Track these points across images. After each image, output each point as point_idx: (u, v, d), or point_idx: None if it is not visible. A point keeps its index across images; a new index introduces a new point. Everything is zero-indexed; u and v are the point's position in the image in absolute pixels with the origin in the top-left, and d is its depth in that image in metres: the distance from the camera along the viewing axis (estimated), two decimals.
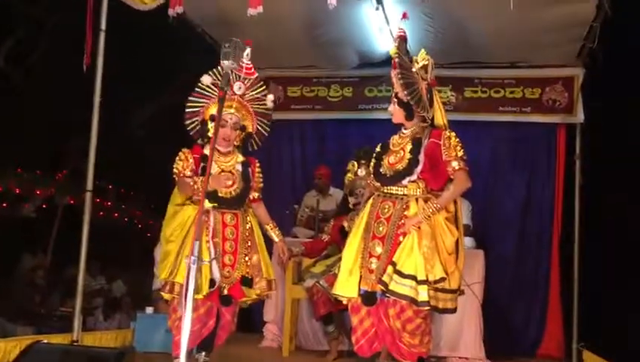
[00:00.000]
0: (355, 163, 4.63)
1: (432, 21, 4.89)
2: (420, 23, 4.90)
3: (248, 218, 3.56)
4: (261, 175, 3.65)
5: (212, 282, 3.28)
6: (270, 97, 3.66)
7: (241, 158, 3.56)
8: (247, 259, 3.47)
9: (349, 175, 4.67)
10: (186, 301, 2.40)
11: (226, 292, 3.39)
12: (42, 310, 7.68)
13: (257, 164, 3.66)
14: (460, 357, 4.84)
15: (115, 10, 4.46)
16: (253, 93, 3.58)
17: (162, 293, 3.42)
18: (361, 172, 4.55)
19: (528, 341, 5.67)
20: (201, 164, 3.42)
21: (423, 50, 3.28)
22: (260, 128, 3.64)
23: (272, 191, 4.75)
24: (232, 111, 3.46)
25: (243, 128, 3.56)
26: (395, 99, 3.25)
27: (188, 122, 3.56)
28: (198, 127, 3.55)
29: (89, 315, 7.32)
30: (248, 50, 3.30)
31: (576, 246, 5.49)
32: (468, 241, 4.96)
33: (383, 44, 5.60)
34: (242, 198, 3.51)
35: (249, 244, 3.49)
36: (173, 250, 3.36)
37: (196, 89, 3.54)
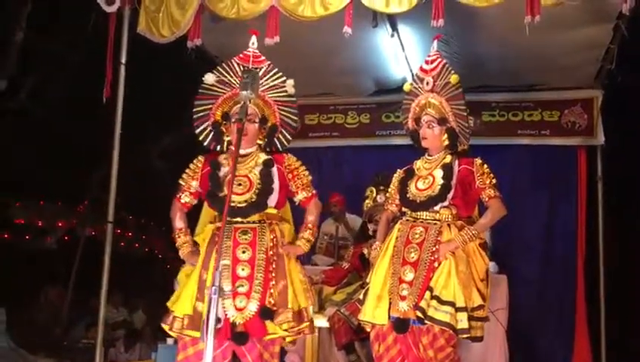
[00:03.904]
0: (374, 189, 4.61)
1: (448, 46, 4.90)
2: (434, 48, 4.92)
3: (273, 234, 2.98)
4: (303, 167, 3.11)
5: (217, 318, 2.58)
6: (290, 82, 3.16)
7: (263, 158, 3.06)
8: (272, 284, 2.87)
9: (367, 201, 4.64)
10: (207, 337, 2.18)
11: (240, 328, 2.82)
12: (65, 342, 7.70)
13: (293, 159, 3.11)
14: None
15: (135, 43, 4.55)
16: (268, 80, 3.13)
17: (162, 324, 2.99)
18: (381, 198, 4.52)
19: None
20: (210, 172, 3.03)
21: (456, 75, 3.24)
22: (284, 119, 3.16)
23: None
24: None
25: (264, 121, 3.11)
26: (438, 126, 3.21)
27: (199, 130, 3.16)
28: (211, 133, 3.14)
29: (111, 347, 7.31)
30: (253, 39, 3.22)
31: (601, 269, 5.39)
32: (491, 267, 4.88)
33: (399, 71, 5.64)
34: (259, 206, 2.97)
35: (274, 267, 2.90)
36: (182, 277, 3.05)
37: (200, 90, 3.16)
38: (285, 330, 2.86)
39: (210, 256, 2.90)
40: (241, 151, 2.98)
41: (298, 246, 3.04)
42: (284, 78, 3.18)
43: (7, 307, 7.11)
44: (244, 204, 2.96)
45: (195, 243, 3.09)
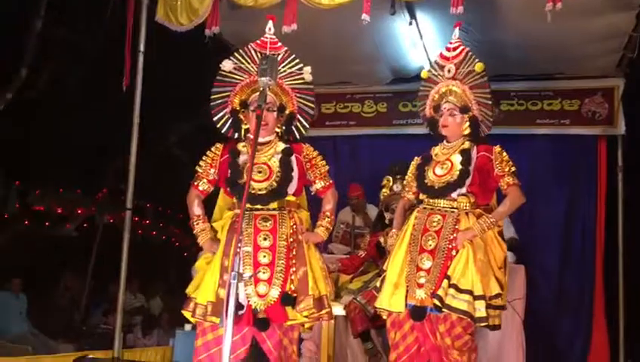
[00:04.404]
0: (391, 178, 4.59)
1: (468, 35, 4.85)
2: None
3: (292, 221, 2.99)
4: (320, 157, 3.12)
5: (240, 304, 2.80)
6: (307, 69, 3.15)
7: (281, 147, 3.07)
8: (292, 271, 2.91)
9: (384, 190, 4.63)
10: (226, 321, 2.21)
11: (261, 314, 2.87)
12: (84, 327, 7.82)
13: (310, 149, 3.12)
14: None
15: (153, 32, 4.57)
16: (286, 67, 3.12)
17: (183, 311, 3.01)
18: (397, 187, 4.50)
19: (573, 358, 5.51)
20: (229, 160, 3.04)
21: (480, 63, 3.20)
22: (302, 107, 3.15)
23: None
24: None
25: (282, 109, 3.10)
26: (460, 114, 3.19)
27: (217, 118, 3.14)
28: (229, 120, 3.13)
29: (128, 332, 7.41)
30: (270, 24, 3.19)
31: (620, 262, 5.34)
32: (509, 256, 4.86)
33: (417, 59, 5.60)
34: (279, 193, 2.99)
35: (294, 253, 2.93)
36: (202, 265, 3.05)
37: (218, 78, 3.15)
38: (306, 316, 2.89)
39: (231, 242, 2.91)
40: (260, 140, 2.98)
41: (317, 233, 3.05)
42: (302, 65, 3.16)
43: (27, 293, 7.24)
44: (264, 192, 2.96)
45: (213, 230, 3.10)
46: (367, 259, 4.72)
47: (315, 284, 2.91)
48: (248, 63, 3.13)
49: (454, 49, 3.26)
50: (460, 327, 2.99)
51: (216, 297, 2.86)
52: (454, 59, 3.24)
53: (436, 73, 3.31)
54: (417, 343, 3.11)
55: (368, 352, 4.69)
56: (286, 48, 3.20)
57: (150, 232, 11.31)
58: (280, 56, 3.11)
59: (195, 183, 3.14)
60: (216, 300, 2.85)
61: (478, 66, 3.17)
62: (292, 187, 3.05)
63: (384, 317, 3.20)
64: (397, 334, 3.13)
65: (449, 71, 3.24)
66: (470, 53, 3.23)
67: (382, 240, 4.50)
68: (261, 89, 2.71)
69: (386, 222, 4.56)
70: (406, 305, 3.06)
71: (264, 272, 2.86)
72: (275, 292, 2.85)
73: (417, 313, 3.04)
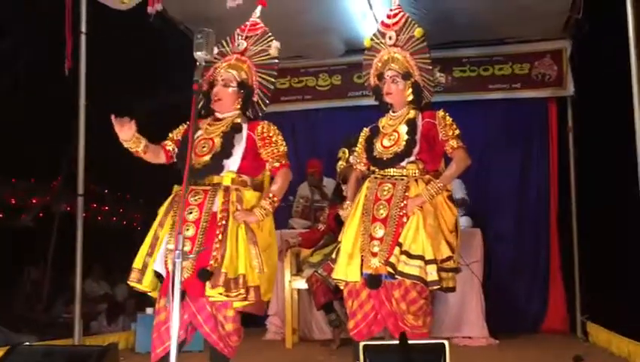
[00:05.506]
0: (347, 150, 4.60)
1: (416, 2, 4.86)
2: (403, 5, 4.85)
3: (225, 198, 2.86)
4: (279, 137, 2.99)
5: (160, 276, 2.84)
6: (275, 44, 3.13)
7: (234, 123, 3.00)
8: (216, 248, 2.78)
9: (340, 162, 4.65)
10: (173, 299, 2.24)
11: (182, 286, 2.58)
12: (46, 318, 7.69)
13: (267, 127, 2.99)
14: (463, 337, 4.84)
15: (95, 12, 4.43)
16: (257, 47, 3.15)
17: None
18: (353, 159, 4.51)
19: (532, 316, 5.68)
20: (185, 134, 3.02)
21: (420, 29, 3.22)
22: (261, 82, 3.11)
23: None
24: (224, 68, 3.05)
25: (242, 86, 3.05)
26: (402, 80, 3.20)
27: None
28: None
29: (93, 320, 7.32)
30: (258, 10, 3.25)
31: (574, 219, 5.48)
32: (465, 221, 4.96)
33: (368, 30, 5.57)
34: (213, 168, 2.92)
35: (221, 230, 2.80)
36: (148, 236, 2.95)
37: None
38: (220, 294, 2.73)
39: (168, 214, 2.91)
40: (219, 115, 3.05)
41: (252, 213, 2.87)
42: (271, 43, 3.15)
43: None
44: (200, 166, 2.92)
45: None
46: (327, 232, 4.75)
47: (231, 263, 2.75)
48: (227, 46, 3.18)
49: (394, 15, 3.29)
50: (415, 292, 3.04)
51: (143, 264, 2.86)
52: (395, 26, 3.27)
53: (378, 41, 3.33)
54: (374, 310, 3.15)
55: (332, 323, 4.75)
56: (264, 29, 3.19)
57: (110, 218, 11.13)
58: (255, 37, 3.16)
59: (164, 143, 3.11)
60: (142, 267, 2.86)
61: (418, 32, 3.20)
62: (233, 163, 2.96)
63: (341, 287, 3.23)
64: (354, 303, 3.16)
65: (390, 38, 3.27)
66: (410, 19, 3.25)
67: (341, 212, 4.51)
68: (197, 64, 2.70)
69: (344, 194, 4.56)
70: (361, 274, 3.09)
71: (185, 245, 2.68)
72: (189, 265, 2.74)
73: (373, 281, 3.07)
